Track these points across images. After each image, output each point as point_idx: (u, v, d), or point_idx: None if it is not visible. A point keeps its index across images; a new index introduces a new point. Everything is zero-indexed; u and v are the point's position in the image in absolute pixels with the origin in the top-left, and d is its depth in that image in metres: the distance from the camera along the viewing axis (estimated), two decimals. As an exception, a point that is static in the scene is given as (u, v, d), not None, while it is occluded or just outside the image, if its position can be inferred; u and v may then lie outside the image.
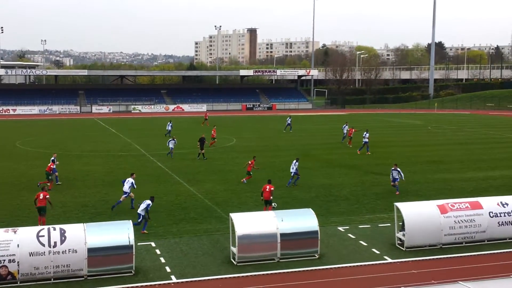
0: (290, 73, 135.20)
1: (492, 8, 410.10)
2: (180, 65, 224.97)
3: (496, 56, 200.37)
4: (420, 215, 22.73)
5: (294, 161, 34.49)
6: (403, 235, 22.45)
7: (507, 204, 23.93)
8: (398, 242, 22.75)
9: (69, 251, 18.93)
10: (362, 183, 35.44)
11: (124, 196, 28.22)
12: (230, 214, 21.63)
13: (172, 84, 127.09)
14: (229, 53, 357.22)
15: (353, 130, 53.35)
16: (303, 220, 21.72)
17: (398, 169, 32.32)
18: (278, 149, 51.11)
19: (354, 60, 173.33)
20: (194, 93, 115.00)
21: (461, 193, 31.27)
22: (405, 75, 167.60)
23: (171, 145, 45.64)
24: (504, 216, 23.52)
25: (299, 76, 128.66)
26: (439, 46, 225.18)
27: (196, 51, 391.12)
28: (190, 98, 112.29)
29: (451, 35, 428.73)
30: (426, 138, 60.58)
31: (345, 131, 55.59)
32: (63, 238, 19.05)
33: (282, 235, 20.82)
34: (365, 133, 49.33)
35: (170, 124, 61.70)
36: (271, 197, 26.95)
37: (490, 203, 23.99)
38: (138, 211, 24.32)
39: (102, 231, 20.02)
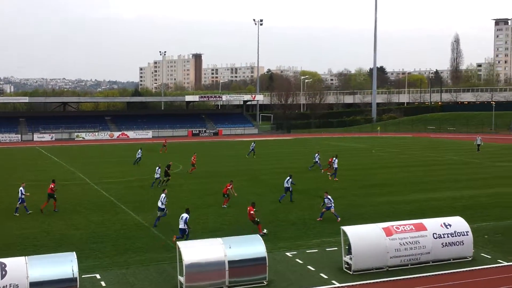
0: (236, 98, 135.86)
1: (431, 34, 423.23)
2: (125, 91, 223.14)
3: (436, 80, 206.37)
4: (366, 238, 22.97)
5: (288, 177, 37.32)
6: (350, 258, 22.63)
7: (450, 225, 24.43)
8: (346, 266, 22.90)
9: (10, 286, 18.28)
10: (309, 207, 35.62)
11: (159, 212, 30.51)
12: (177, 242, 21.36)
13: (117, 111, 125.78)
14: (175, 79, 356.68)
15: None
16: (251, 246, 21.62)
17: (329, 196, 31.88)
18: (226, 174, 50.95)
19: (298, 85, 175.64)
20: (139, 119, 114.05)
21: (405, 215, 31.74)
22: (348, 99, 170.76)
23: (157, 175, 44.06)
24: (448, 237, 23.99)
25: (245, 101, 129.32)
26: (381, 70, 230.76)
27: (141, 76, 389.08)
28: (135, 125, 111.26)
29: (392, 60, 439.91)
30: (370, 161, 61.57)
31: (316, 159, 54.49)
32: (3, 272, 18.40)
33: (230, 262, 20.66)
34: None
35: (140, 152, 60.33)
36: (257, 218, 28.40)
37: (433, 224, 24.44)
38: (180, 227, 26.11)
39: (45, 264, 19.40)
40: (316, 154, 55.27)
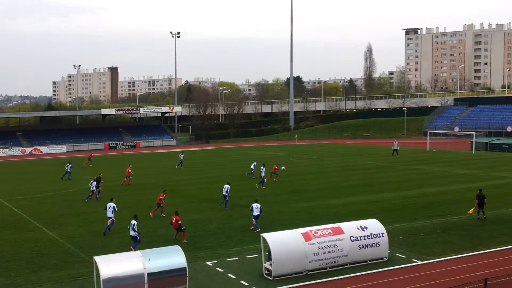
0: (154, 111, 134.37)
1: (345, 44, 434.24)
2: (37, 105, 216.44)
3: (350, 88, 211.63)
4: (286, 244, 23.16)
5: (226, 185, 38.49)
6: (270, 264, 22.74)
7: (366, 228, 24.99)
8: (266, 272, 22.98)
9: None
10: (229, 216, 35.60)
11: (110, 220, 31.12)
12: (94, 257, 20.80)
13: (29, 126, 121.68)
14: (90, 92, 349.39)
15: (276, 166, 53.12)
16: (171, 257, 21.32)
17: (259, 205, 31.54)
18: (143, 187, 50.22)
19: (217, 95, 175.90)
20: (53, 134, 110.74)
21: (324, 220, 32.25)
22: (266, 108, 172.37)
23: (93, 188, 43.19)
24: (364, 239, 24.52)
25: (163, 113, 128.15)
26: (298, 80, 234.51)
27: (54, 91, 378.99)
28: (48, 140, 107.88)
29: (308, 70, 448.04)
30: (289, 168, 62.24)
31: (253, 168, 54.73)
32: None
33: (149, 274, 20.28)
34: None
35: (70, 165, 58.57)
36: (183, 227, 29.04)
37: (350, 227, 24.94)
38: (131, 235, 26.91)
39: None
40: (254, 163, 56.03)
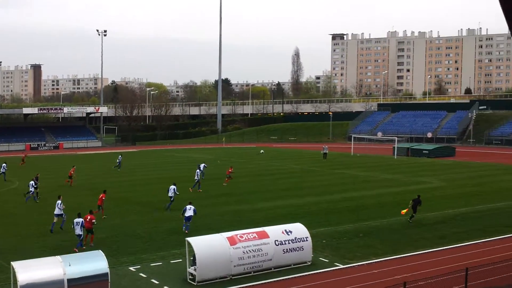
0: (78, 111, 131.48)
1: (273, 48, 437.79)
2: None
3: (278, 92, 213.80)
4: (211, 249, 23.09)
5: (172, 186, 38.94)
6: (195, 269, 22.60)
7: (291, 232, 25.23)
8: (190, 277, 22.83)
9: None
10: (154, 220, 35.18)
11: (56, 218, 31.72)
12: (12, 262, 20.09)
13: None
14: (11, 90, 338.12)
15: (231, 169, 52.62)
16: (92, 262, 20.85)
17: (193, 206, 31.79)
18: (67, 190, 48.93)
19: (144, 96, 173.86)
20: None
21: (251, 224, 32.29)
22: (194, 110, 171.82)
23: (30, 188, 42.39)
24: (289, 243, 24.75)
25: (88, 114, 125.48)
26: (226, 82, 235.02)
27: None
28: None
29: (237, 72, 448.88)
30: (216, 171, 62.13)
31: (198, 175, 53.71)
32: None
33: (69, 280, 19.74)
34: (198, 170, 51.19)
35: (5, 166, 56.75)
36: (93, 228, 28.45)
37: (275, 231, 25.12)
38: (76, 233, 27.38)
39: None
40: (202, 164, 55.63)
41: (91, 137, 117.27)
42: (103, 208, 35.76)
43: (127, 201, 42.83)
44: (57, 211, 31.77)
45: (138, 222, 34.58)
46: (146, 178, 56.34)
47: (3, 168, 56.64)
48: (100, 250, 21.71)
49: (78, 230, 27.34)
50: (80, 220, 27.41)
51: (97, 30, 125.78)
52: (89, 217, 28.28)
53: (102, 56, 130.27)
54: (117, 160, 66.88)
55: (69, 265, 20.11)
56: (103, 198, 35.73)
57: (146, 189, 48.97)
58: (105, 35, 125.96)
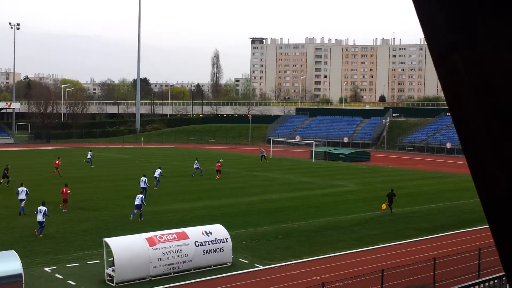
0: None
1: (193, 49, 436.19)
2: None
3: (197, 93, 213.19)
4: (129, 249, 22.72)
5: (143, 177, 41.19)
6: (113, 270, 22.16)
7: (211, 233, 25.19)
8: (108, 278, 22.36)
9: None
10: (69, 220, 34.24)
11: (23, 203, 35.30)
12: None
13: None
14: None
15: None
16: (5, 263, 20.09)
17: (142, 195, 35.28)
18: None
19: (59, 93, 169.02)
20: None
21: (169, 225, 32.05)
22: (112, 109, 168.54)
23: None
24: (209, 244, 24.70)
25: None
26: (145, 82, 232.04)
27: None
28: None
29: (156, 72, 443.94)
30: (134, 171, 61.20)
31: (197, 166, 57.32)
32: None
33: (-20, 282, 18.95)
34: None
35: None
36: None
37: (195, 232, 25.03)
38: (38, 220, 29.39)
39: None
40: (196, 161, 57.96)
41: (3, 133, 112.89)
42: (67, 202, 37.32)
43: (40, 200, 41.31)
44: (22, 196, 35.87)
45: (51, 222, 33.48)
46: (56, 176, 54.68)
47: None
48: (13, 250, 20.95)
49: (40, 217, 29.40)
50: (44, 208, 29.68)
51: (10, 23, 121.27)
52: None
53: (14, 50, 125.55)
54: (88, 156, 67.68)
55: (-20, 266, 19.27)
56: (68, 191, 37.36)
57: (58, 188, 47.47)
58: (18, 29, 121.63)
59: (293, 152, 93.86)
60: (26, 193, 35.92)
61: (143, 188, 40.95)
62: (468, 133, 1.29)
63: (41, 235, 29.41)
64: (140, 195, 34.81)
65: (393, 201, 38.81)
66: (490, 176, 1.30)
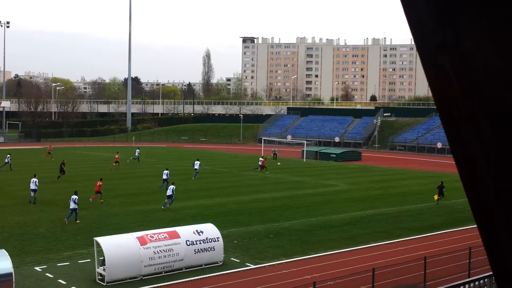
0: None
1: (184, 48, 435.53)
2: None
3: (189, 92, 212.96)
4: (120, 248, 22.69)
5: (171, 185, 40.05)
6: (104, 269, 22.12)
7: (202, 232, 25.20)
8: (99, 277, 22.33)
9: None
10: (60, 219, 34.09)
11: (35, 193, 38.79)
12: None
13: None
14: None
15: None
16: (-5, 263, 20.01)
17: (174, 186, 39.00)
18: None
19: (50, 92, 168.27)
20: None
21: (160, 224, 31.98)
22: (103, 108, 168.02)
23: None
24: (200, 243, 24.71)
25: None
26: (136, 81, 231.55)
27: None
28: None
29: (147, 71, 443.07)
30: (125, 170, 61.15)
31: (196, 167, 56.73)
32: None
33: (-30, 281, 18.86)
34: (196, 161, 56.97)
35: (9, 157, 60.32)
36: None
37: (186, 231, 25.03)
38: (71, 207, 32.28)
39: None
40: (196, 162, 57.69)
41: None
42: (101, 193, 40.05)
43: (28, 199, 41.24)
44: (32, 186, 39.11)
45: (42, 221, 33.44)
46: (49, 176, 54.48)
47: (7, 159, 59.50)
48: (3, 250, 20.86)
49: (72, 205, 32.13)
50: (75, 196, 32.53)
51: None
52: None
53: (4, 48, 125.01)
54: (136, 154, 72.54)
55: (-30, 265, 19.19)
56: (100, 184, 40.18)
57: (50, 187, 47.38)
58: (8, 27, 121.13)
59: (284, 151, 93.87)
60: (36, 184, 39.30)
61: (164, 180, 46.38)
62: (455, 133, 1.32)
63: (77, 221, 32.62)
64: (172, 186, 39.03)
65: (443, 193, 42.61)
66: (478, 177, 1.32)
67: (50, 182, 49.45)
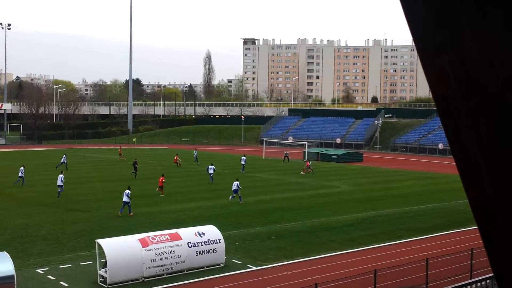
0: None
1: (185, 49, 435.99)
2: None
3: (190, 94, 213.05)
4: (122, 250, 22.69)
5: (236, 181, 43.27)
6: (106, 271, 22.12)
7: (203, 234, 25.19)
8: (101, 279, 22.33)
9: None
10: (61, 221, 34.14)
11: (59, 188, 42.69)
12: None
13: None
14: None
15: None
16: (-3, 265, 20.01)
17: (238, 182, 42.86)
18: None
19: (51, 94, 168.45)
20: None
21: (162, 226, 32.03)
22: (104, 110, 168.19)
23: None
24: (202, 245, 24.70)
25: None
26: (137, 83, 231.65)
27: None
28: None
29: (148, 73, 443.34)
30: (126, 172, 61.12)
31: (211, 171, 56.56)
32: None
33: (-28, 284, 18.87)
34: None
35: (65, 156, 64.94)
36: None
37: (188, 233, 25.02)
38: (124, 200, 35.45)
39: None
40: (210, 166, 57.07)
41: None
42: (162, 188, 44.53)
43: (30, 202, 41.31)
44: (59, 182, 42.89)
45: (44, 223, 33.44)
46: (49, 178, 54.45)
47: (63, 158, 64.51)
48: (5, 252, 20.88)
49: (125, 198, 35.39)
50: (128, 191, 35.85)
51: (0, 24, 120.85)
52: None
53: (6, 50, 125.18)
54: (194, 155, 76.03)
55: (-29, 267, 19.19)
56: (163, 180, 45.07)
57: (50, 189, 47.38)
58: (9, 29, 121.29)
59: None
60: (61, 180, 43.25)
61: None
62: (454, 133, 1.32)
63: (131, 214, 35.86)
64: (236, 182, 42.81)
65: None
66: (477, 176, 1.32)
67: (50, 185, 49.42)
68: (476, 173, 1.30)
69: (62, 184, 43.68)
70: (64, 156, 65.50)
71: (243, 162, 64.58)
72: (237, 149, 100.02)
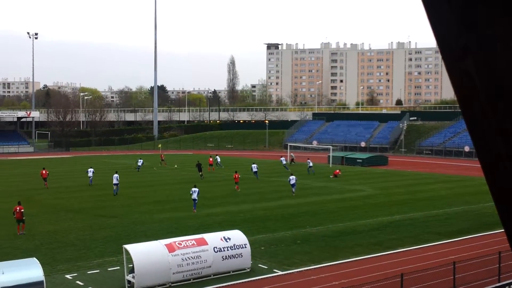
0: (9, 115, 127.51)
1: (209, 55, 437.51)
2: None
3: (214, 99, 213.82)
4: (149, 256, 22.85)
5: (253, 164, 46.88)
6: (133, 277, 22.29)
7: (229, 239, 25.26)
8: (128, 285, 22.51)
9: None
10: (89, 227, 34.51)
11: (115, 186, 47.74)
12: None
13: None
14: None
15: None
16: (27, 270, 20.32)
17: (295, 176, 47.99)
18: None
19: (78, 101, 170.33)
20: None
21: (188, 231, 32.16)
22: (130, 117, 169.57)
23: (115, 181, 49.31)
24: (227, 250, 24.77)
25: (19, 118, 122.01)
26: (162, 89, 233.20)
27: None
28: None
29: (173, 79, 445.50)
30: (152, 178, 61.57)
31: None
32: None
33: (2, 289, 19.15)
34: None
35: (141, 160, 70.59)
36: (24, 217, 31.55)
37: (214, 238, 25.11)
38: (193, 197, 39.21)
39: None
40: (253, 165, 62.96)
41: (23, 142, 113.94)
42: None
43: (60, 207, 41.82)
44: (114, 181, 48.10)
45: (72, 229, 33.83)
46: (77, 184, 55.10)
47: (140, 162, 70.35)
48: (35, 258, 21.18)
49: (194, 196, 39.23)
50: (196, 189, 39.63)
51: (28, 33, 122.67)
52: (18, 208, 31.84)
53: (33, 59, 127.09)
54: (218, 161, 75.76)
55: (2, 273, 19.50)
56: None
57: (79, 195, 47.96)
58: (36, 38, 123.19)
59: (310, 157, 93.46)
60: (117, 179, 47.90)
61: (255, 172, 56.34)
62: (480, 136, 1.33)
63: (195, 210, 39.31)
64: (293, 177, 48.81)
65: None
66: (505, 182, 1.33)
67: (78, 191, 50.02)
68: (503, 176, 1.31)
69: (118, 182, 48.40)
70: (141, 160, 70.98)
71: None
72: (262, 154, 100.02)
